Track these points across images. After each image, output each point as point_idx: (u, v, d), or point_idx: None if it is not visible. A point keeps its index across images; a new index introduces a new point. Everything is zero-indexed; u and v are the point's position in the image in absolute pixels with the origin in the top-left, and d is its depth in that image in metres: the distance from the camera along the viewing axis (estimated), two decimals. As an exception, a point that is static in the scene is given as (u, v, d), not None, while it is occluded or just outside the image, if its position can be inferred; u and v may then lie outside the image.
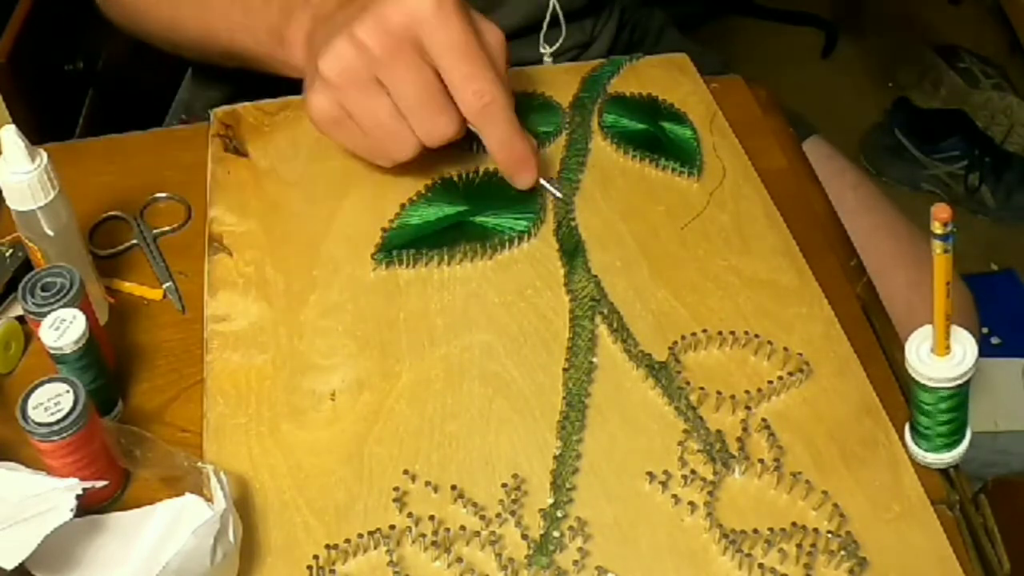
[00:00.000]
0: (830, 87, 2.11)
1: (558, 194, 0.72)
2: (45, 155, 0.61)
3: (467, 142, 0.73)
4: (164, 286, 0.70)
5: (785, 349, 0.63)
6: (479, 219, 0.72)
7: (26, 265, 0.67)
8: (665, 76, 0.84)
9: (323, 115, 0.68)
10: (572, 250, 0.70)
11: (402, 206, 0.73)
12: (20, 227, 0.63)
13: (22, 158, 0.60)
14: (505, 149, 0.69)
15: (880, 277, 0.72)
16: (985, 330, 1.58)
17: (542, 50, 0.91)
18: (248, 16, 0.76)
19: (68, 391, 0.55)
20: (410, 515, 0.56)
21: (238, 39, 0.77)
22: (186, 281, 0.70)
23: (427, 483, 0.58)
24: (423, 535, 0.56)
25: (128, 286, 0.70)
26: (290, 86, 0.76)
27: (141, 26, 0.87)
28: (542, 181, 0.72)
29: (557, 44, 0.91)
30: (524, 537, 0.56)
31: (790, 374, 0.62)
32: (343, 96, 0.67)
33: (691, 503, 0.57)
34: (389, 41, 0.64)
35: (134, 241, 0.73)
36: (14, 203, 0.62)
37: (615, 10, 1.01)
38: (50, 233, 0.63)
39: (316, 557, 0.55)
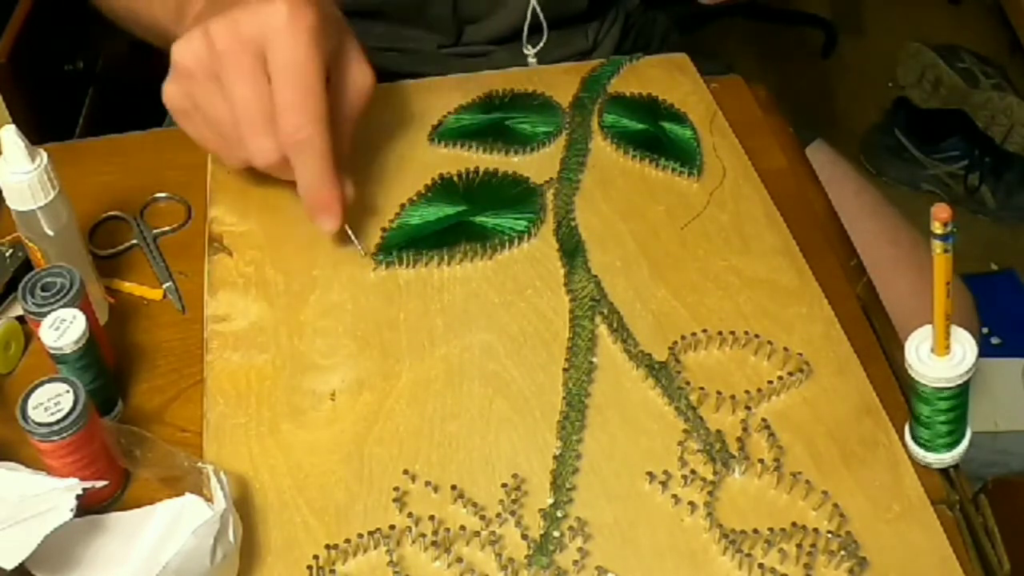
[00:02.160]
0: (830, 87, 2.11)
1: (359, 248, 0.69)
2: (45, 155, 0.61)
3: None
4: (164, 286, 0.70)
5: (785, 349, 0.63)
6: (479, 219, 0.72)
7: (26, 265, 0.67)
8: (665, 76, 0.84)
9: (172, 103, 0.67)
10: (572, 250, 0.70)
11: (402, 206, 0.73)
12: (20, 227, 0.63)
13: (22, 158, 0.60)
14: (310, 192, 0.66)
15: (882, 283, 0.72)
16: (985, 330, 1.58)
17: (525, 51, 0.91)
18: None
19: (68, 391, 0.55)
20: (410, 515, 0.56)
21: (157, 10, 0.76)
22: (186, 281, 0.70)
23: (427, 483, 0.58)
24: (423, 535, 0.56)
25: (128, 286, 0.70)
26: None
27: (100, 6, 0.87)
28: (348, 230, 0.68)
29: (540, 45, 0.91)
30: (524, 537, 0.56)
31: (790, 374, 0.62)
32: (190, 86, 0.65)
33: (691, 503, 0.57)
34: (235, 44, 0.62)
35: (134, 241, 0.73)
36: (14, 203, 0.62)
37: (619, 17, 1.00)
38: (50, 233, 0.63)
39: (316, 557, 0.55)
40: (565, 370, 0.63)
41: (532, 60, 0.92)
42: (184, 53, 0.64)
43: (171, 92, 0.67)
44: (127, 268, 0.72)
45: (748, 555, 0.55)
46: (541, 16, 0.90)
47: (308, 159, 0.64)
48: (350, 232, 0.69)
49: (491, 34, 0.93)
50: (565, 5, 0.93)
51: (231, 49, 0.62)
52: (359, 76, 0.68)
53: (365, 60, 0.68)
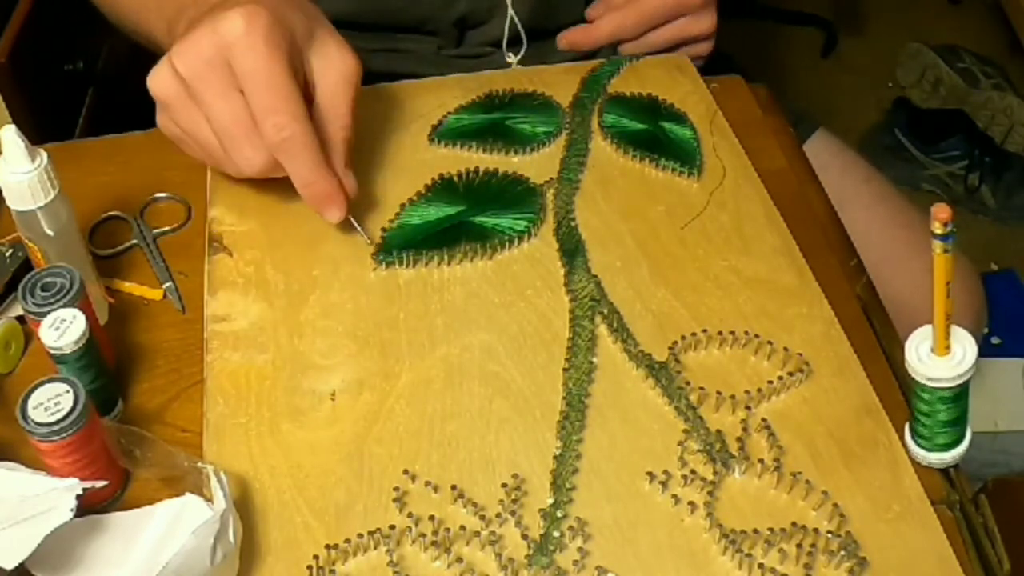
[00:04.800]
0: (830, 87, 2.11)
1: (365, 237, 0.70)
2: (45, 155, 0.61)
3: None
4: (164, 286, 0.70)
5: (785, 349, 0.63)
6: (479, 219, 0.72)
7: (26, 265, 0.67)
8: (665, 76, 0.84)
9: (166, 131, 0.69)
10: (572, 250, 0.70)
11: (402, 206, 0.73)
12: (20, 227, 0.63)
13: (22, 158, 0.60)
14: (307, 187, 0.66)
15: (898, 266, 0.72)
16: (985, 330, 1.58)
17: (508, 59, 0.90)
18: (159, 3, 0.75)
19: (68, 391, 0.55)
20: (410, 515, 0.56)
21: (153, 25, 0.77)
22: (186, 281, 0.70)
23: (427, 483, 0.58)
24: (423, 535, 0.56)
25: (128, 286, 0.70)
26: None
27: (99, 6, 0.87)
28: (352, 220, 0.69)
29: (520, 54, 0.90)
30: (524, 537, 0.56)
31: (790, 374, 0.62)
32: (172, 114, 0.67)
33: (691, 503, 0.57)
34: (199, 66, 0.63)
35: (134, 241, 0.73)
36: (14, 203, 0.62)
37: None
38: (50, 233, 0.63)
39: (316, 557, 0.55)
40: (565, 370, 0.63)
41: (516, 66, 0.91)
42: (156, 85, 0.66)
43: (162, 122, 0.69)
44: (127, 268, 0.72)
45: (748, 555, 0.55)
46: (520, 28, 0.89)
47: (296, 156, 0.65)
48: (354, 222, 0.69)
49: (491, 38, 0.92)
50: (556, 16, 0.92)
51: (196, 71, 0.64)
52: (339, 61, 0.68)
53: (343, 44, 0.68)
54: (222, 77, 0.63)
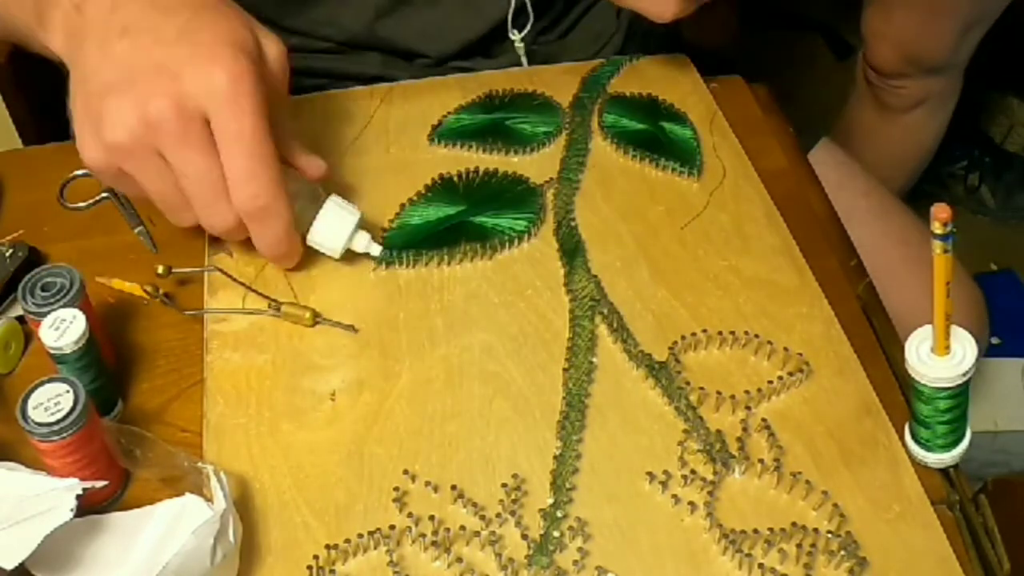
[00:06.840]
0: (831, 88, 2.11)
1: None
2: None
3: None
4: (136, 230, 0.71)
5: (785, 349, 0.63)
6: (479, 219, 0.72)
7: (26, 265, 0.67)
8: (665, 76, 0.84)
9: (96, 168, 0.63)
10: (572, 250, 0.70)
11: (402, 206, 0.73)
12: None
13: None
14: (272, 250, 0.65)
15: (890, 282, 0.72)
16: (994, 341, 1.58)
17: (511, 36, 0.87)
18: None
19: (68, 391, 0.55)
20: (410, 515, 0.56)
21: (13, 9, 0.69)
22: (186, 281, 0.70)
23: (427, 483, 0.58)
24: (423, 535, 0.56)
25: (129, 286, 0.70)
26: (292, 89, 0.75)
27: None
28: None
29: (527, 29, 0.87)
30: (524, 537, 0.56)
31: (790, 374, 0.62)
32: (123, 160, 0.61)
33: (691, 503, 0.57)
34: (175, 117, 0.59)
35: (105, 194, 0.72)
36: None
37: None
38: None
39: (316, 557, 0.55)
40: (565, 370, 0.63)
41: (519, 45, 0.88)
42: (115, 128, 0.60)
43: (95, 159, 0.62)
44: (127, 268, 0.71)
45: (748, 555, 0.55)
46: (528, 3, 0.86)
47: (268, 224, 0.63)
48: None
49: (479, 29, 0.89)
50: None
51: (172, 125, 0.59)
52: (272, 48, 0.64)
53: (266, 31, 0.65)
54: (200, 133, 0.59)
